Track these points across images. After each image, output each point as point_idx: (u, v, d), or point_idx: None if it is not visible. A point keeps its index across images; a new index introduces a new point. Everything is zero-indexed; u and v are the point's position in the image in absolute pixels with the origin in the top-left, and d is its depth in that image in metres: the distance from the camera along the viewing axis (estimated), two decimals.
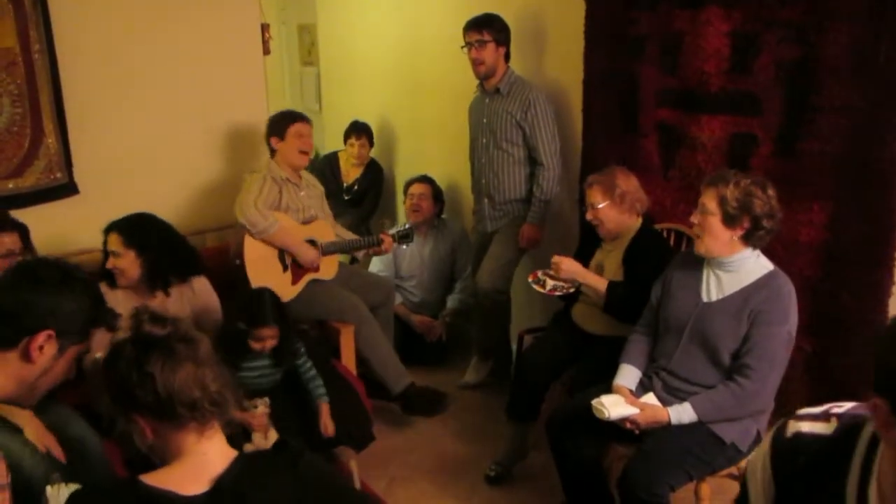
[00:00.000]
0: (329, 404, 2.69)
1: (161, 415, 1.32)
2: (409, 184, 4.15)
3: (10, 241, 2.49)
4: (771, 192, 2.21)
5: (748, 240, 2.24)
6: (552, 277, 2.84)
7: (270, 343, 2.60)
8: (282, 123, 3.24)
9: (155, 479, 1.32)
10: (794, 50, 2.57)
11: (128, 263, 2.65)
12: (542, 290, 2.85)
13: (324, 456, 2.63)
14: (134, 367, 1.31)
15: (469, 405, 3.67)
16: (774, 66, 2.64)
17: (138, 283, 2.69)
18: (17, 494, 2.10)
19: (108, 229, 2.69)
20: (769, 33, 2.63)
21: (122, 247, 2.65)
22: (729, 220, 2.21)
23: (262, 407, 2.55)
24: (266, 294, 2.67)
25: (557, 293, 2.84)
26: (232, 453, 1.39)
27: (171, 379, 1.30)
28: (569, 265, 2.77)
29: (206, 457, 1.35)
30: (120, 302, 2.69)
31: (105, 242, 2.68)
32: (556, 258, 2.79)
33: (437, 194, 4.12)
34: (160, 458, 1.39)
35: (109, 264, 2.67)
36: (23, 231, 2.59)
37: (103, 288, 2.67)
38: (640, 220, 2.83)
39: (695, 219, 2.29)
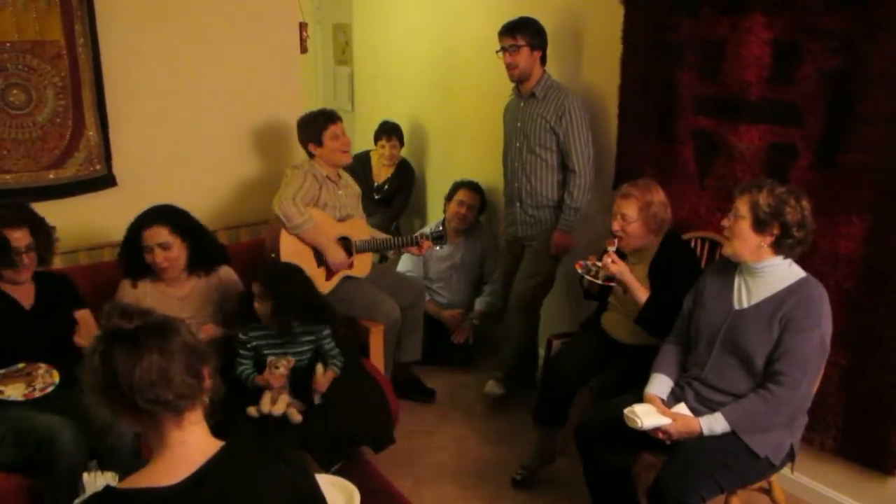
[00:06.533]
0: (338, 375, 2.71)
1: (131, 408, 1.31)
2: (459, 187, 4.14)
3: (18, 237, 2.48)
4: (805, 202, 2.21)
5: (777, 248, 2.22)
6: (601, 268, 2.78)
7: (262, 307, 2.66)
8: (315, 129, 3.24)
9: (131, 482, 1.33)
10: (839, 59, 2.54)
11: (178, 252, 2.67)
12: (594, 279, 2.77)
13: (344, 454, 2.63)
14: (101, 361, 1.30)
15: (496, 408, 3.67)
16: (817, 76, 2.60)
17: (178, 272, 2.71)
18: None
19: (147, 223, 2.66)
20: (812, 42, 2.60)
21: (170, 236, 2.67)
22: (759, 225, 2.20)
23: (282, 368, 2.57)
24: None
25: (611, 283, 2.80)
26: (216, 443, 1.39)
27: (131, 373, 1.28)
28: (620, 264, 2.71)
29: (185, 446, 1.34)
30: (150, 296, 2.71)
31: (139, 238, 2.65)
32: (606, 258, 2.72)
33: (482, 206, 4.13)
34: (149, 444, 1.38)
35: (159, 258, 2.66)
36: (34, 225, 2.54)
37: (127, 287, 2.72)
38: (660, 238, 2.80)
39: (726, 222, 2.29)
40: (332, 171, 3.31)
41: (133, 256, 2.72)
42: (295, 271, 2.78)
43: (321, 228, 3.20)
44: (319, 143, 3.25)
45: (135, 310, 1.37)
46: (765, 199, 2.19)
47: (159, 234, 2.66)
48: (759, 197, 2.20)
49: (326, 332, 2.77)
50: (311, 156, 3.29)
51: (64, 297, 2.65)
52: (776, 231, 2.20)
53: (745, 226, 2.23)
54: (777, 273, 2.26)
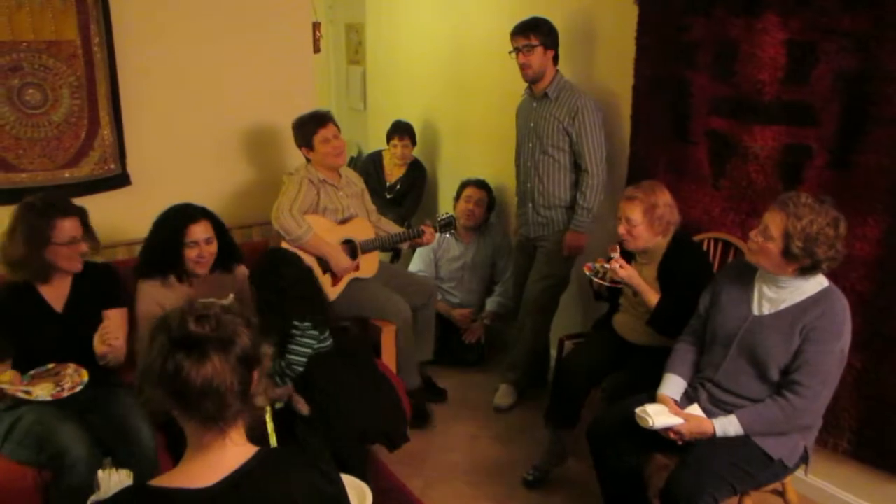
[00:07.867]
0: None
1: (180, 405, 1.32)
2: (465, 185, 4.15)
3: (70, 226, 2.42)
4: (842, 229, 2.13)
5: (803, 272, 2.19)
6: (609, 270, 2.79)
7: None
8: (306, 133, 3.22)
9: (163, 481, 1.33)
10: (854, 60, 2.52)
11: (215, 247, 2.74)
12: (602, 282, 2.80)
13: (358, 452, 2.64)
14: (162, 362, 1.30)
15: (507, 407, 3.66)
16: (832, 76, 2.59)
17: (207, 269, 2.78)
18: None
19: (193, 219, 2.69)
20: (828, 42, 2.58)
21: (212, 231, 2.74)
22: (788, 256, 2.15)
23: None
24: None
25: (619, 285, 2.81)
26: (250, 448, 1.38)
27: (189, 381, 1.28)
28: (628, 269, 2.72)
29: (222, 449, 1.34)
30: (171, 296, 2.72)
31: (181, 234, 2.67)
32: (613, 263, 2.74)
33: (490, 203, 4.13)
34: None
35: (205, 252, 2.70)
36: (82, 215, 2.50)
37: (148, 287, 2.71)
38: (668, 238, 2.78)
39: (755, 237, 2.22)
40: (330, 173, 3.26)
41: (165, 255, 2.72)
42: (274, 261, 2.73)
43: (322, 236, 3.17)
44: (311, 148, 3.22)
45: (211, 314, 1.34)
46: (800, 232, 2.09)
47: (206, 228, 2.71)
48: (796, 226, 2.10)
49: (296, 329, 2.62)
50: (307, 159, 3.27)
51: (103, 294, 2.57)
52: (805, 262, 2.14)
53: (773, 249, 2.16)
54: (800, 283, 2.22)
